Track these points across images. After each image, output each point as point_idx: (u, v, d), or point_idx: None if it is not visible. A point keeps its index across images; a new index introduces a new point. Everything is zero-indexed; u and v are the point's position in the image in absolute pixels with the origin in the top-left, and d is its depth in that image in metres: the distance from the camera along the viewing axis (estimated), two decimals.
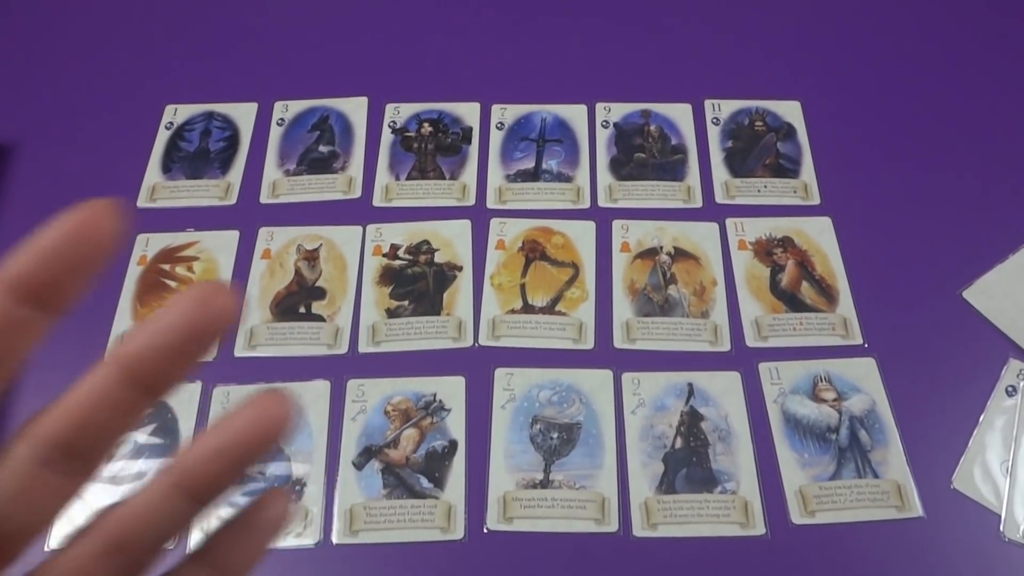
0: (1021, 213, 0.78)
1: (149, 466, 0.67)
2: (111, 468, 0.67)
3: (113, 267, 0.78)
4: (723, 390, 0.69)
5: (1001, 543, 0.62)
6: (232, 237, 0.80)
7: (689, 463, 0.66)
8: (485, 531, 0.63)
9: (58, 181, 0.84)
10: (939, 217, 0.78)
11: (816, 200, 0.80)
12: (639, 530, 0.63)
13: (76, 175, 0.84)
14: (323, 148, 0.86)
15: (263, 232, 0.80)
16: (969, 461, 0.65)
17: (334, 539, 0.63)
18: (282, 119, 0.88)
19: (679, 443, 0.67)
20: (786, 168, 0.82)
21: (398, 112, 0.88)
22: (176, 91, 0.90)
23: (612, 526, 0.63)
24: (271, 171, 0.84)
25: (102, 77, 0.92)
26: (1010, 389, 0.68)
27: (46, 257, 0.22)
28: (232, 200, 0.82)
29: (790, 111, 0.86)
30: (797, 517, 0.63)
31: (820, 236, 0.77)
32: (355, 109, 0.88)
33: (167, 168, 0.85)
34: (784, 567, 0.62)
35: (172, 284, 0.77)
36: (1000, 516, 0.63)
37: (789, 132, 0.84)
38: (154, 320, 0.23)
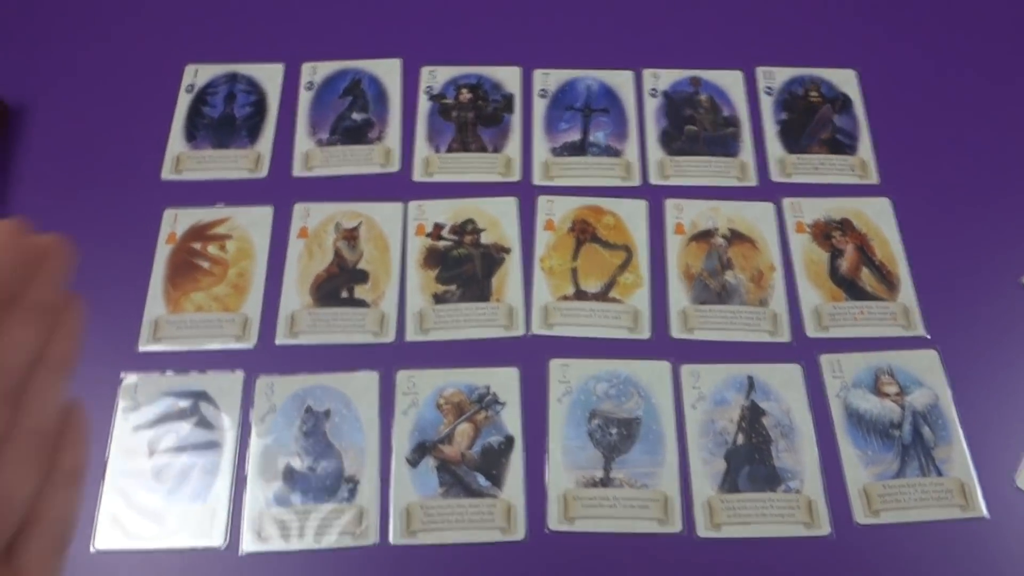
0: None
1: (193, 461, 0.65)
2: (156, 463, 0.65)
3: (141, 245, 0.74)
4: (784, 383, 0.68)
5: None
6: (266, 213, 0.76)
7: (752, 460, 0.65)
8: (547, 532, 0.62)
9: (71, 146, 0.79)
10: (1002, 199, 0.76)
11: (874, 179, 0.77)
12: (703, 530, 0.62)
13: (91, 140, 0.80)
14: (356, 116, 0.81)
15: (298, 208, 0.76)
16: None
17: (391, 539, 0.62)
18: (311, 82, 0.83)
19: (740, 439, 0.65)
20: (843, 143, 0.79)
21: (434, 76, 0.83)
22: (196, 50, 0.85)
23: (676, 526, 0.62)
24: (303, 141, 0.79)
25: (116, 33, 0.86)
26: None
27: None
28: (263, 172, 0.78)
29: (845, 80, 0.82)
30: (861, 517, 0.63)
31: (879, 218, 0.75)
32: (388, 72, 0.83)
33: (191, 136, 0.80)
34: (849, 569, 0.61)
35: (205, 264, 0.74)
36: None
37: (845, 104, 0.81)
38: None
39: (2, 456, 0.25)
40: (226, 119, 0.81)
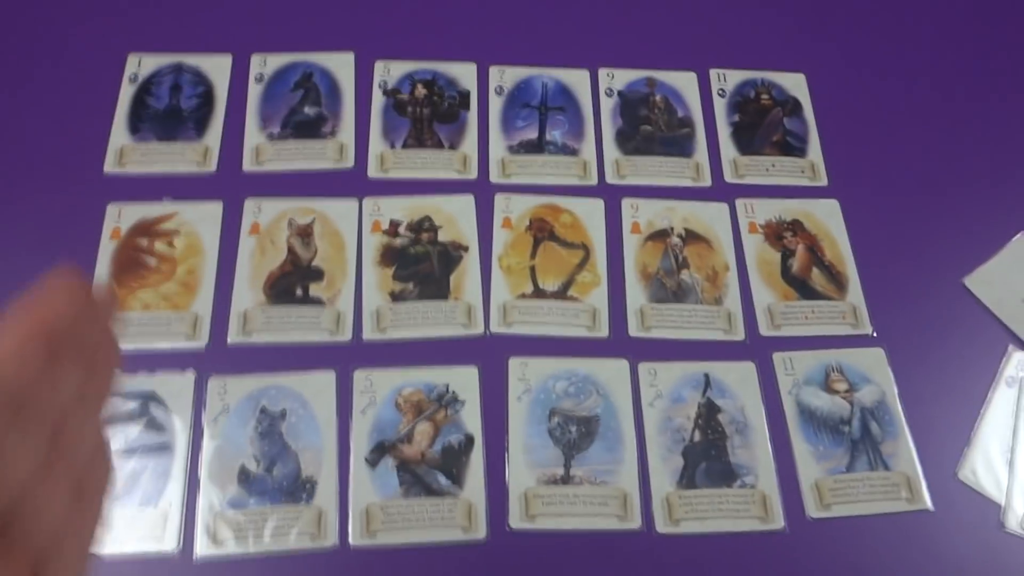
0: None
1: (143, 464, 0.63)
2: None
3: (83, 241, 0.71)
4: (738, 381, 0.69)
5: (1002, 534, 0.64)
6: (215, 209, 0.74)
7: (708, 457, 0.66)
8: (508, 530, 0.62)
9: (7, 137, 0.76)
10: (945, 201, 0.78)
11: (824, 181, 0.79)
12: (662, 526, 0.63)
13: (29, 132, 0.76)
14: (309, 109, 0.79)
15: (249, 204, 0.74)
16: (972, 452, 0.67)
17: (351, 541, 0.61)
18: (260, 75, 0.81)
19: (697, 436, 0.66)
20: (793, 146, 0.80)
21: (388, 71, 0.82)
22: (139, 38, 0.82)
23: (635, 523, 0.63)
24: (253, 134, 0.78)
25: (56, 19, 0.82)
26: (1010, 380, 0.70)
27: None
28: (211, 167, 0.76)
29: (795, 84, 0.84)
30: (814, 510, 0.64)
31: (828, 219, 0.77)
32: (341, 66, 0.82)
33: (135, 128, 0.77)
34: (802, 561, 0.63)
35: (152, 262, 0.71)
36: (1001, 507, 0.65)
37: (795, 107, 0.83)
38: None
39: (42, 488, 0.26)
40: (172, 111, 0.78)
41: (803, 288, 0.73)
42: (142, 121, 0.78)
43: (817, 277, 0.74)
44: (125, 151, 0.76)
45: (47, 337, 0.25)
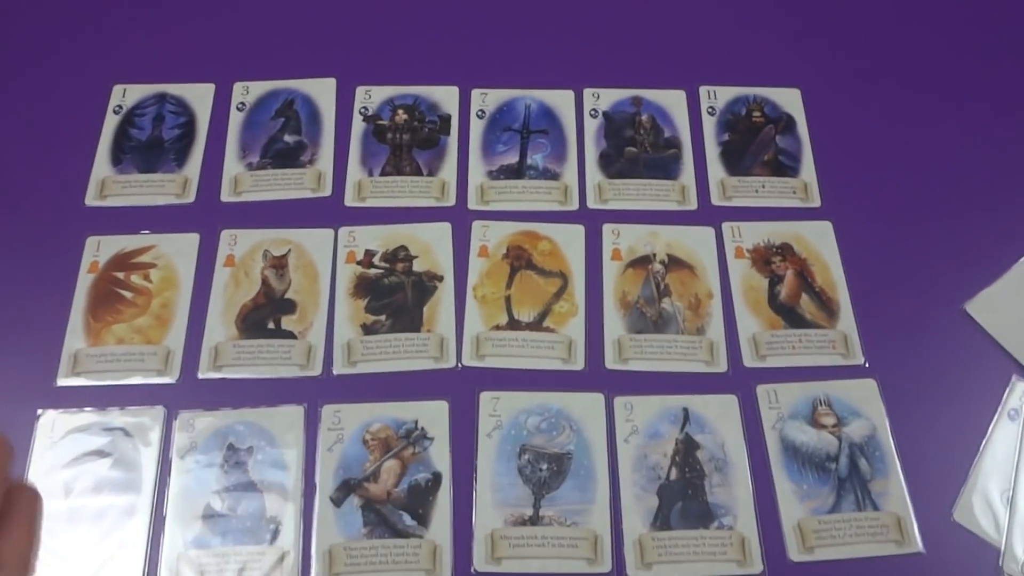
0: None
1: (110, 502, 0.63)
2: (71, 504, 0.63)
3: (61, 275, 0.72)
4: (719, 415, 0.66)
5: None
6: (192, 241, 0.73)
7: (685, 496, 0.63)
8: (473, 573, 0.60)
9: None
10: (946, 223, 0.74)
11: (816, 202, 0.76)
12: (633, 570, 0.60)
13: (11, 164, 0.77)
14: (289, 138, 0.79)
15: (225, 235, 0.74)
16: (970, 491, 0.64)
17: None
18: (243, 103, 0.80)
19: (674, 474, 0.64)
20: (785, 165, 0.77)
21: (369, 96, 0.81)
22: (124, 69, 0.82)
23: (605, 566, 0.61)
24: (232, 164, 0.77)
25: (41, 51, 0.83)
26: (1012, 413, 0.66)
27: None
28: (190, 198, 0.76)
29: (790, 100, 0.81)
30: (795, 554, 0.61)
31: (820, 243, 0.73)
32: (323, 92, 0.81)
33: (117, 160, 0.78)
34: None
35: (128, 295, 0.71)
36: (1000, 550, 0.62)
37: (788, 124, 0.79)
38: None
39: None
40: (154, 142, 0.78)
41: (791, 316, 0.70)
42: (124, 152, 0.78)
43: (806, 304, 0.71)
44: (106, 183, 0.76)
45: None
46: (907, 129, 0.79)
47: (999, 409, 0.67)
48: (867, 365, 0.68)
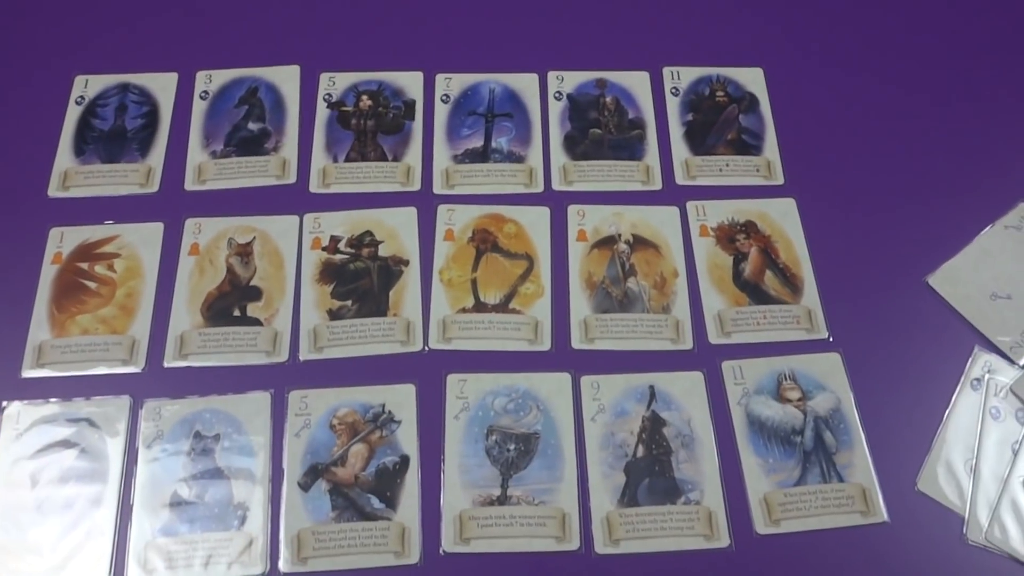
0: (989, 192, 0.75)
1: (77, 491, 0.63)
2: (38, 495, 0.62)
3: (24, 266, 0.71)
4: (685, 392, 0.66)
5: (964, 546, 0.61)
6: (156, 230, 0.73)
7: (651, 473, 0.63)
8: (442, 553, 0.60)
9: None
10: (907, 197, 0.75)
11: (779, 180, 0.76)
12: (601, 547, 0.61)
13: None
14: (252, 125, 0.78)
15: (190, 224, 0.73)
16: (934, 461, 0.64)
17: (281, 567, 0.60)
18: (206, 92, 0.80)
19: (641, 451, 0.64)
20: (748, 144, 0.78)
21: (333, 83, 0.81)
22: (86, 60, 0.82)
23: (573, 543, 0.61)
24: (196, 153, 0.77)
25: (1, 43, 0.82)
26: (975, 383, 0.67)
27: None
28: (154, 187, 0.75)
29: (752, 79, 0.81)
30: (762, 527, 0.62)
31: (784, 219, 0.74)
32: (286, 79, 0.81)
33: (80, 150, 0.77)
34: None
35: (92, 285, 0.71)
36: (963, 518, 0.62)
37: (751, 103, 0.80)
38: None
39: None
40: (117, 132, 0.78)
41: (756, 292, 0.71)
42: (87, 143, 0.77)
43: (770, 280, 0.71)
44: (69, 174, 0.76)
45: None
46: (868, 107, 0.80)
47: (962, 379, 0.67)
48: (831, 339, 0.69)
